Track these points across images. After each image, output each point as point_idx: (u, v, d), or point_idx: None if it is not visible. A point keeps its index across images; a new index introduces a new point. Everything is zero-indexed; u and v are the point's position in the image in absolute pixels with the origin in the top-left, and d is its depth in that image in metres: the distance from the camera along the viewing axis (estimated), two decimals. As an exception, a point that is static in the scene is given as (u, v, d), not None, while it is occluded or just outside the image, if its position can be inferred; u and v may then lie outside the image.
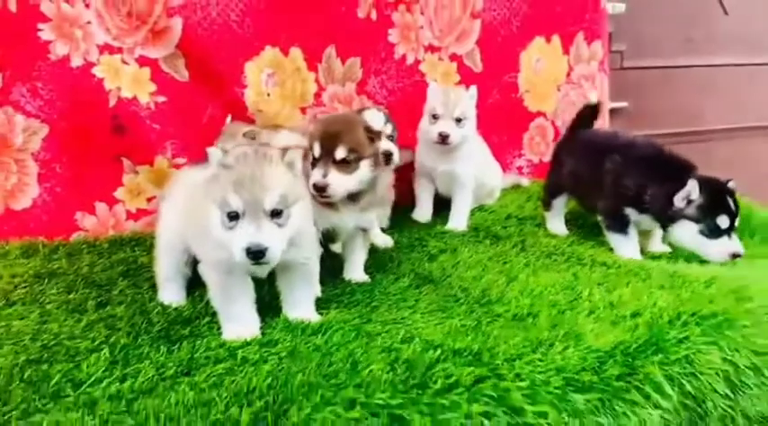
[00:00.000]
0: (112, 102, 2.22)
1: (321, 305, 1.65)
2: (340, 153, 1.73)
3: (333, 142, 1.73)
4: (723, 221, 1.92)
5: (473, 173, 2.47)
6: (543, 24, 2.99)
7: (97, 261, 1.94)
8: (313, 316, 1.56)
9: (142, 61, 2.26)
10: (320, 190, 1.71)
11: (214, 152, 1.40)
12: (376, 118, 2.05)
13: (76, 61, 2.16)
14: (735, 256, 1.93)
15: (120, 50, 2.22)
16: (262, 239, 1.32)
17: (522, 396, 1.14)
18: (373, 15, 2.61)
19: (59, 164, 2.20)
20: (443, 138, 2.32)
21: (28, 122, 2.14)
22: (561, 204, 2.39)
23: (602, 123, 3.20)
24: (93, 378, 1.17)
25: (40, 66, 2.12)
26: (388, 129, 2.11)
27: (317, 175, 1.72)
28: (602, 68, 3.18)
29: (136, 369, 1.21)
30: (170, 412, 0.99)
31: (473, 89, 2.45)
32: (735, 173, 3.94)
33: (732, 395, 1.33)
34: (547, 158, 3.11)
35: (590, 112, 2.45)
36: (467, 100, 2.41)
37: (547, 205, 2.41)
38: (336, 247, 2.01)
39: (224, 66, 2.37)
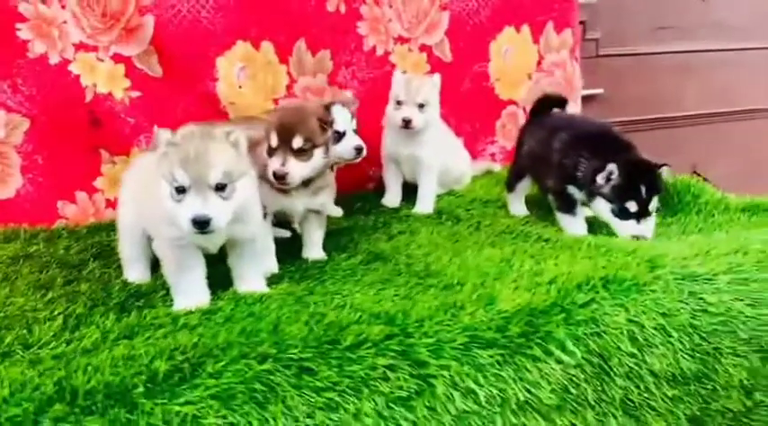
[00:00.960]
0: (89, 98, 2.35)
1: (274, 280, 1.76)
2: (297, 142, 1.83)
3: (289, 132, 1.83)
4: (631, 206, 1.99)
5: (436, 158, 2.57)
6: (512, 15, 3.08)
7: (73, 244, 2.07)
8: (261, 289, 1.68)
9: (117, 58, 2.39)
10: (280, 178, 1.82)
11: (161, 132, 1.52)
12: (342, 114, 2.17)
13: (54, 59, 2.30)
14: (638, 238, 1.98)
15: (95, 49, 2.36)
16: (206, 210, 1.43)
17: (427, 351, 1.25)
18: (342, 9, 2.72)
19: (41, 156, 2.34)
20: (407, 123, 2.43)
21: (10, 117, 2.28)
22: (523, 187, 2.45)
23: (575, 110, 3.29)
24: (42, 341, 1.30)
25: (19, 64, 2.26)
26: (354, 124, 2.22)
27: (275, 164, 1.82)
28: (573, 56, 3.26)
29: (82, 334, 1.33)
30: (97, 364, 1.11)
31: (436, 77, 2.55)
32: (714, 156, 4.05)
33: (638, 354, 1.42)
34: (519, 145, 3.21)
35: (548, 100, 2.49)
36: (429, 87, 2.51)
37: (509, 187, 2.47)
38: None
39: (196, 62, 2.49)
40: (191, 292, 1.59)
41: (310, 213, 2.01)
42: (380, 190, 2.70)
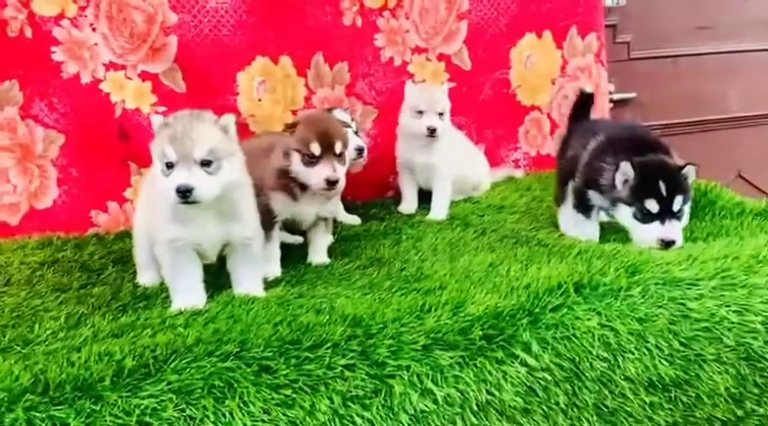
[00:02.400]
0: (118, 113, 2.51)
1: (273, 283, 1.85)
2: (338, 147, 1.90)
3: (331, 138, 1.89)
4: (651, 205, 1.84)
5: (450, 165, 2.60)
6: (533, 21, 3.08)
7: (98, 251, 2.22)
8: (257, 291, 1.76)
9: (144, 76, 2.55)
10: (333, 183, 1.87)
11: (156, 118, 1.65)
12: (343, 117, 2.26)
13: (85, 78, 2.47)
14: (665, 243, 1.83)
15: (123, 67, 2.52)
16: (189, 181, 1.54)
17: (387, 352, 1.29)
18: (359, 22, 2.80)
19: (75, 169, 2.52)
20: (432, 132, 2.48)
21: (47, 133, 2.46)
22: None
23: (601, 114, 3.25)
24: (40, 339, 1.42)
25: (54, 84, 2.44)
26: (354, 127, 2.30)
27: (326, 171, 1.86)
28: (599, 60, 3.22)
29: (77, 333, 1.45)
30: (74, 360, 1.21)
31: (446, 84, 2.61)
32: (760, 160, 3.89)
33: (611, 358, 1.42)
34: (544, 150, 3.21)
35: (584, 100, 2.40)
36: (445, 95, 2.56)
37: (558, 200, 2.28)
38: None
39: (217, 77, 2.62)
40: (187, 294, 1.69)
41: (319, 219, 2.07)
42: (400, 197, 2.76)
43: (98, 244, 2.33)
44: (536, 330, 1.39)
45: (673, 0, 3.61)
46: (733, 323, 1.50)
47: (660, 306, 1.49)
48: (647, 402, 1.45)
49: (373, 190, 2.88)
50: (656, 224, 1.86)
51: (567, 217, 2.15)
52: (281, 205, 1.97)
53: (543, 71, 3.14)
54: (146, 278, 1.94)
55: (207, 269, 1.75)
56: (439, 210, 2.56)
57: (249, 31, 2.63)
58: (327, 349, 1.28)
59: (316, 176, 1.87)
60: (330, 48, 2.76)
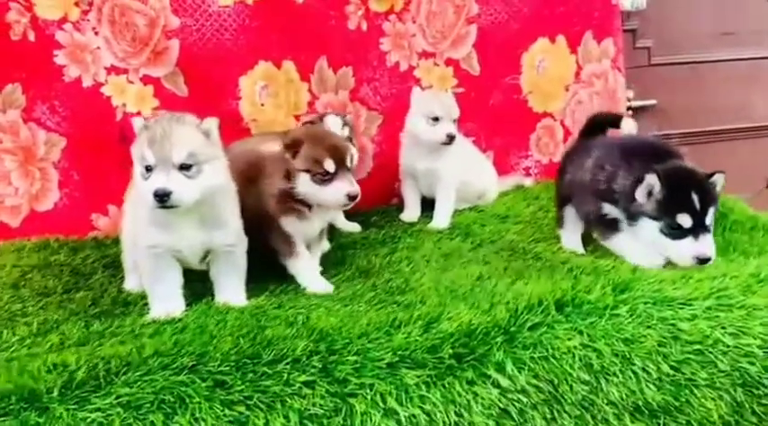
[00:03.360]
0: (119, 117, 2.51)
1: (256, 292, 1.80)
2: (349, 161, 1.86)
3: (342, 154, 1.83)
4: (684, 220, 1.67)
5: (454, 172, 2.54)
6: (546, 25, 2.99)
7: (92, 254, 2.22)
8: (239, 301, 1.72)
9: (146, 80, 2.54)
10: (354, 198, 1.83)
11: (136, 120, 1.63)
12: (335, 123, 2.21)
13: (87, 82, 2.48)
14: (701, 261, 1.66)
15: (125, 71, 2.52)
16: (167, 185, 1.51)
17: (350, 369, 1.24)
18: (364, 26, 2.75)
19: (76, 172, 2.52)
20: (451, 139, 2.43)
21: (48, 136, 2.47)
22: (572, 218, 2.11)
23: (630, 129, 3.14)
24: (6, 345, 1.40)
25: (56, 87, 2.45)
26: (346, 132, 2.25)
27: (346, 187, 1.80)
28: (616, 66, 3.12)
29: (45, 340, 1.43)
30: (26, 369, 1.19)
31: (450, 90, 2.57)
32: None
33: (593, 381, 1.34)
34: (556, 158, 3.11)
35: (601, 120, 2.22)
36: (455, 101, 2.50)
37: (558, 221, 2.17)
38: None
39: (219, 81, 2.61)
40: (165, 302, 1.66)
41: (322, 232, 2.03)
42: (403, 205, 2.70)
43: (95, 247, 2.32)
44: (512, 349, 1.32)
45: (694, 5, 3.48)
46: (728, 346, 1.41)
47: (649, 327, 1.40)
48: (633, 428, 1.36)
49: (377, 198, 2.82)
50: (689, 239, 1.68)
51: (622, 247, 1.89)
52: (295, 226, 1.90)
53: (556, 77, 3.05)
54: (133, 283, 1.92)
55: (199, 274, 1.73)
56: (441, 219, 2.50)
57: (252, 35, 2.61)
58: (287, 364, 1.23)
59: (334, 194, 1.81)
60: (334, 52, 2.72)
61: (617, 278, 1.51)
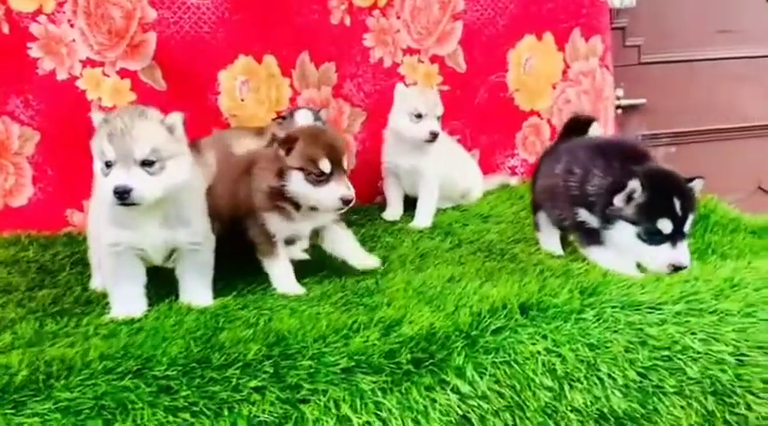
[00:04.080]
0: (94, 111, 2.46)
1: (225, 291, 1.74)
2: (345, 162, 1.77)
3: (338, 155, 1.75)
4: (665, 226, 1.61)
5: (437, 170, 2.50)
6: (533, 22, 2.95)
7: (62, 251, 2.17)
8: (203, 301, 1.68)
9: (123, 73, 2.50)
10: (349, 202, 1.75)
11: (95, 115, 1.58)
12: (305, 118, 2.17)
13: (62, 75, 2.44)
14: (677, 268, 1.60)
15: (101, 64, 2.47)
16: (128, 182, 1.47)
17: (303, 374, 1.20)
18: (347, 21, 2.71)
19: (50, 167, 2.48)
20: (434, 136, 2.38)
21: (22, 130, 2.44)
22: (547, 220, 2.06)
23: (606, 123, 3.10)
24: (-44, 344, 1.36)
25: (30, 81, 2.41)
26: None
27: (342, 190, 1.73)
28: (604, 64, 3.07)
29: (-4, 339, 1.38)
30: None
31: (436, 87, 2.52)
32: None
33: (557, 387, 1.29)
34: (543, 158, 3.06)
35: (579, 123, 2.14)
36: (439, 99, 2.46)
37: (535, 225, 2.11)
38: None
39: (198, 76, 2.56)
40: (126, 302, 1.62)
41: (330, 225, 1.90)
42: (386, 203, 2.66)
43: (67, 243, 2.28)
44: (473, 354, 1.28)
45: (687, 2, 3.43)
46: (698, 352, 1.36)
47: (615, 331, 1.36)
48: (598, 436, 1.32)
49: (360, 195, 2.72)
50: (667, 246, 1.61)
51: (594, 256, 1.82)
52: (278, 225, 1.81)
53: (543, 75, 3.00)
54: (99, 281, 1.87)
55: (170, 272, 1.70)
56: (423, 218, 2.46)
57: (231, 28, 2.57)
58: (237, 369, 1.19)
59: (327, 196, 1.72)
60: (316, 47, 2.68)
61: (586, 281, 1.47)
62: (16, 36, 2.38)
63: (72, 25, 2.43)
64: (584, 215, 1.80)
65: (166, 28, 2.50)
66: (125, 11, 2.45)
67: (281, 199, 1.78)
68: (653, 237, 1.62)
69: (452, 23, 2.85)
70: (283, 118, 2.25)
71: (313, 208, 1.80)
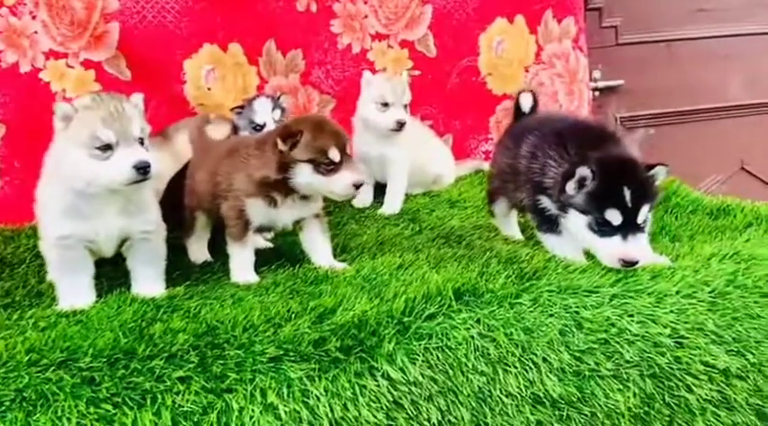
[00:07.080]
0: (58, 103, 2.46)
1: (180, 281, 1.73)
2: (349, 149, 1.76)
3: (345, 141, 1.74)
4: (613, 217, 1.51)
5: (406, 157, 2.48)
6: (504, 5, 2.93)
7: (24, 244, 2.17)
8: (154, 291, 1.68)
9: (87, 64, 2.50)
10: (360, 187, 1.74)
11: (62, 106, 1.58)
12: (264, 106, 2.16)
13: (25, 67, 2.43)
14: (627, 263, 1.51)
15: (65, 55, 2.47)
16: (146, 156, 1.51)
17: (230, 364, 1.20)
18: (313, 8, 2.69)
19: (17, 160, 2.48)
20: (401, 126, 2.36)
21: (-13, 123, 2.44)
22: (503, 209, 2.02)
23: (581, 103, 3.08)
24: None
25: (-7, 74, 2.41)
26: (277, 115, 2.19)
27: (354, 175, 1.71)
28: (578, 46, 3.04)
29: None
30: None
31: (405, 74, 2.49)
32: (764, 151, 3.63)
33: (490, 372, 1.29)
34: (517, 141, 3.04)
35: (523, 105, 2.07)
36: (407, 86, 2.43)
37: (491, 213, 2.07)
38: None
39: (163, 65, 2.56)
40: (74, 295, 1.61)
41: (311, 219, 1.86)
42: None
43: (31, 236, 2.27)
44: (405, 340, 1.28)
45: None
46: (636, 335, 1.35)
47: (551, 315, 1.35)
48: (533, 420, 1.31)
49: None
50: (617, 239, 1.51)
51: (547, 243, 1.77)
52: (258, 211, 1.79)
53: (515, 58, 2.98)
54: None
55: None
56: (391, 204, 2.45)
57: (195, 17, 2.56)
58: (161, 360, 1.19)
59: (340, 184, 1.70)
60: (282, 34, 2.67)
61: (528, 267, 1.46)
62: (-24, 29, 2.38)
63: (34, 17, 2.42)
64: (545, 201, 1.74)
65: (129, 17, 2.49)
66: (87, 2, 2.44)
67: (273, 189, 1.76)
68: (602, 229, 1.53)
69: (421, 7, 2.82)
70: (242, 108, 2.23)
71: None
